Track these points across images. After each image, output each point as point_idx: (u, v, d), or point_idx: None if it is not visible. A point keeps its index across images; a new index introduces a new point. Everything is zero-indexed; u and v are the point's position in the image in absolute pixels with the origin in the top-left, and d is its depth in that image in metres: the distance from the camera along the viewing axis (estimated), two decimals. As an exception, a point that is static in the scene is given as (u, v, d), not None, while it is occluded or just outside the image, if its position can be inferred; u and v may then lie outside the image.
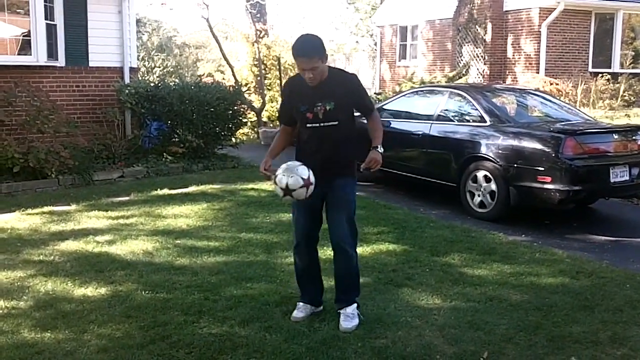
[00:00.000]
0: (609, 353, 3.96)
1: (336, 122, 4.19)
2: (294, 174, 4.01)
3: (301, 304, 4.48)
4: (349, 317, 4.30)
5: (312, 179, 4.05)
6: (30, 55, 10.01)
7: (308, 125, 4.22)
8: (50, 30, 10.18)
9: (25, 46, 10.11)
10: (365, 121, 4.40)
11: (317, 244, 4.50)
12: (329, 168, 4.22)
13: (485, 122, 7.68)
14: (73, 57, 10.54)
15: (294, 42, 4.08)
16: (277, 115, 15.79)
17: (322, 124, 4.18)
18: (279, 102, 16.91)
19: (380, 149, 4.27)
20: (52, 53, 10.25)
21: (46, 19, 10.04)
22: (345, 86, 4.21)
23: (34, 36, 9.90)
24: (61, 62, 10.41)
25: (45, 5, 9.96)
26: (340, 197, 4.29)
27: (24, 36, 10.06)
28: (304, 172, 4.04)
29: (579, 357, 3.90)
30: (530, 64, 16.56)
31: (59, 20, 10.29)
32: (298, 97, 4.21)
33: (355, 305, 4.37)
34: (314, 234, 4.44)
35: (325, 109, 4.14)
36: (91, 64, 10.75)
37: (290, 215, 7.34)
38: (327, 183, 4.23)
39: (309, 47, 4.01)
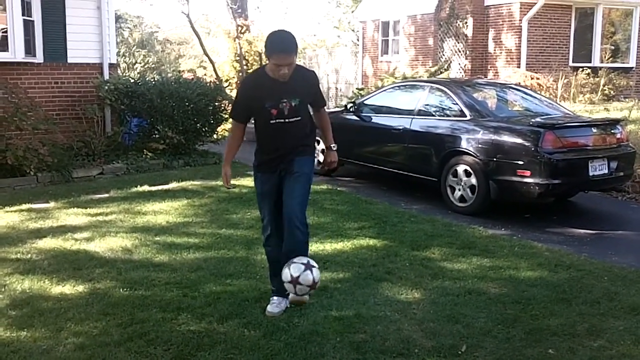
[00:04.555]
0: (585, 345, 3.98)
1: (299, 118, 4.23)
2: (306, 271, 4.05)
3: (276, 298, 4.47)
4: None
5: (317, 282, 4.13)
6: (8, 51, 9.89)
7: (272, 121, 4.18)
8: (28, 27, 10.06)
9: (2, 42, 9.98)
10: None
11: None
12: (288, 154, 4.28)
13: (465, 116, 7.70)
14: (51, 53, 10.42)
15: (271, 38, 4.06)
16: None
17: (286, 120, 4.18)
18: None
19: (335, 147, 4.55)
20: (30, 49, 10.13)
21: (23, 15, 9.92)
22: (307, 82, 4.31)
23: (11, 32, 9.78)
24: (39, 58, 10.29)
25: (22, 1, 9.83)
26: (296, 171, 4.27)
27: (1, 32, 9.94)
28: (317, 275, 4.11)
29: (556, 349, 3.93)
30: (511, 58, 16.62)
31: (37, 16, 10.17)
32: (263, 93, 4.15)
33: None
34: (281, 220, 4.38)
35: (290, 105, 4.16)
36: (70, 60, 10.63)
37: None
38: (286, 165, 4.29)
39: (290, 43, 4.02)
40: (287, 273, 4.02)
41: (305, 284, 4.01)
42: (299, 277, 3.98)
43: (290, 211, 4.19)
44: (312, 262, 4.09)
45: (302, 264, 4.02)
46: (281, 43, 4.01)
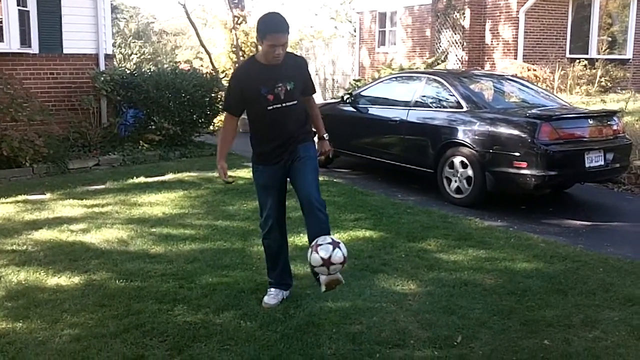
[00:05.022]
0: (581, 336, 3.99)
1: (295, 102, 4.21)
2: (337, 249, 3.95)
3: (273, 289, 4.48)
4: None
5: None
6: (3, 42, 9.86)
7: (269, 107, 4.14)
8: (23, 17, 10.02)
9: (-3, 33, 9.96)
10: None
11: (285, 223, 4.52)
12: (291, 144, 4.24)
13: (462, 108, 7.69)
14: (47, 44, 10.38)
15: (263, 19, 4.06)
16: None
17: (283, 105, 4.15)
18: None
19: (327, 137, 4.56)
20: (25, 40, 10.10)
21: (18, 5, 9.88)
22: (299, 67, 4.31)
23: (6, 23, 9.74)
24: (35, 49, 10.25)
25: (17, -9, 9.81)
26: (303, 156, 4.24)
27: (-4, 23, 9.91)
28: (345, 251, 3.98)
29: (551, 340, 3.94)
30: (508, 50, 16.60)
31: (32, 6, 10.12)
32: (257, 80, 4.12)
33: None
34: (284, 212, 4.47)
35: (286, 89, 4.14)
36: (65, 50, 10.60)
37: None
38: (289, 155, 4.25)
39: (283, 23, 4.02)
40: (316, 257, 3.90)
41: (338, 262, 3.91)
42: (330, 257, 3.88)
43: (308, 194, 4.12)
44: (336, 239, 4.02)
45: (328, 243, 3.92)
46: (275, 23, 4.00)
